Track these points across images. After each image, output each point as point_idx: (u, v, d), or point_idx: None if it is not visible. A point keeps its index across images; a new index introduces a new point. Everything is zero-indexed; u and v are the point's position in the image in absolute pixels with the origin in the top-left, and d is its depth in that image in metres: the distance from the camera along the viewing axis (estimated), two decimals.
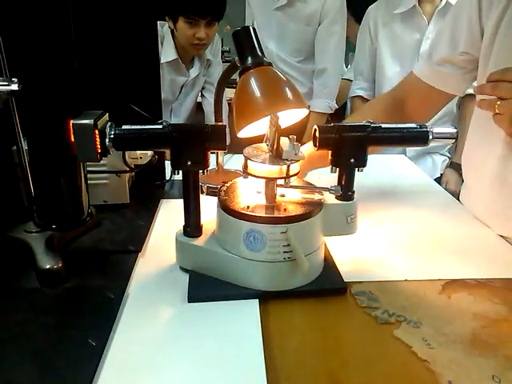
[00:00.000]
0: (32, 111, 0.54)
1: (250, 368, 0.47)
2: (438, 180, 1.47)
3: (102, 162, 0.75)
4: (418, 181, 1.04)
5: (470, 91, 1.49)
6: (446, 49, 0.82)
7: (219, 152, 0.88)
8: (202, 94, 1.88)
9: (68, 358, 0.46)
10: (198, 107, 1.91)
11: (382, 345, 0.51)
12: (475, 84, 1.51)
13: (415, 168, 1.13)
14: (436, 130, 0.59)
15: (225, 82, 0.85)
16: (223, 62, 2.20)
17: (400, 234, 0.76)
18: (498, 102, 0.63)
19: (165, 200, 0.86)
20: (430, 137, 0.59)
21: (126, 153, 0.75)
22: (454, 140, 0.60)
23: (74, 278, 0.59)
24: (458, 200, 0.93)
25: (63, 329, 0.50)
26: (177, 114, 1.78)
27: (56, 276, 0.57)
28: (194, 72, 1.72)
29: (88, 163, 0.65)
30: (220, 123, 0.91)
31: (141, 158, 0.81)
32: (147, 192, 0.87)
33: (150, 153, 0.81)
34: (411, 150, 1.46)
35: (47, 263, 0.57)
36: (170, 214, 0.81)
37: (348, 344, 0.51)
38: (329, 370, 0.47)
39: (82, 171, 0.59)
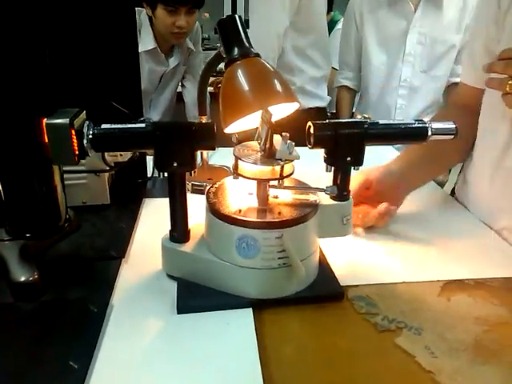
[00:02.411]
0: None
1: (246, 382, 0.44)
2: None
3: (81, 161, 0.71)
4: None
5: (456, 80, 1.49)
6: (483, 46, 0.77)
7: None
8: (182, 83, 1.82)
9: (47, 380, 0.42)
10: (178, 98, 1.85)
11: (384, 355, 0.48)
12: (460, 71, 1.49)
13: None
14: (435, 125, 0.56)
15: (209, 73, 0.81)
16: (203, 49, 2.14)
17: (395, 233, 0.74)
18: (510, 82, 0.60)
19: (148, 199, 0.81)
20: (430, 133, 0.56)
21: None
22: (453, 136, 0.57)
23: (52, 290, 0.54)
24: (452, 195, 0.91)
25: (40, 350, 0.46)
26: (156, 106, 1.72)
27: (31, 289, 0.53)
28: (173, 62, 1.65)
29: None
30: (204, 116, 0.86)
31: (121, 155, 0.76)
32: (128, 191, 0.83)
33: None
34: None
35: (22, 275, 0.53)
36: (153, 215, 0.76)
37: (348, 355, 0.49)
38: (328, 383, 0.45)
39: (58, 173, 0.54)
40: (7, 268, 0.53)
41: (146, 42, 1.55)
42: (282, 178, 0.53)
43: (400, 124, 0.57)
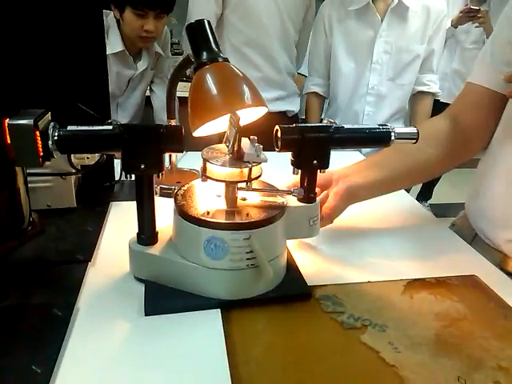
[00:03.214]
0: None
1: (215, 382, 0.44)
2: None
3: (46, 163, 0.70)
4: None
5: (421, 88, 1.54)
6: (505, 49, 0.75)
7: None
8: (150, 88, 1.80)
9: None
10: (147, 102, 1.83)
11: (350, 352, 0.50)
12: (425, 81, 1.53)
13: None
14: (398, 130, 0.58)
15: (178, 77, 0.81)
16: (172, 54, 2.12)
17: (360, 235, 0.76)
18: None
19: (115, 203, 0.80)
20: (393, 137, 0.58)
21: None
22: (415, 141, 0.59)
23: (14, 296, 0.53)
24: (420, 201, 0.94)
25: (2, 355, 0.45)
26: (123, 109, 1.69)
27: None
28: (141, 65, 1.64)
29: None
30: (173, 120, 0.86)
31: (88, 158, 0.75)
32: (95, 194, 0.81)
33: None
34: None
35: None
36: (120, 218, 0.76)
37: (315, 352, 0.50)
38: (296, 381, 0.46)
39: (22, 175, 0.53)
40: None
41: (114, 44, 1.52)
42: (250, 180, 0.54)
43: (364, 129, 0.59)
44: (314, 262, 0.66)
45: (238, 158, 0.53)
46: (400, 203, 0.91)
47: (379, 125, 0.59)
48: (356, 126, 0.59)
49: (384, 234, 0.77)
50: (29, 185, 0.68)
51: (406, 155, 0.78)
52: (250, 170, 0.53)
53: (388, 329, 0.53)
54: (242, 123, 0.60)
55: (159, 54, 1.69)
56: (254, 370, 0.47)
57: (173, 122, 0.85)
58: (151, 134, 0.50)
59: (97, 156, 0.75)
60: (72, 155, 0.68)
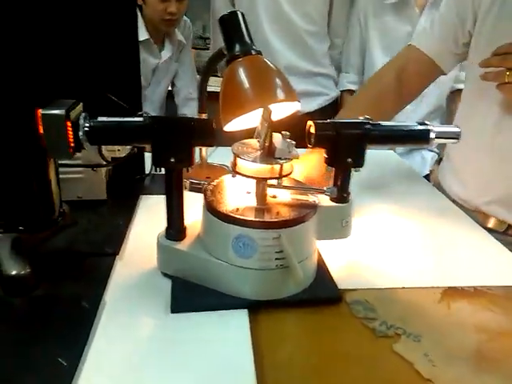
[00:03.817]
0: None
1: None
2: (427, 177, 1.44)
3: (77, 154, 0.70)
4: (409, 180, 1.01)
5: (459, 86, 1.47)
6: (452, 25, 0.87)
7: None
8: (173, 82, 1.81)
9: (35, 380, 0.41)
10: (169, 98, 1.84)
11: (382, 361, 0.47)
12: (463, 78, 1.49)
13: (405, 165, 1.10)
14: (438, 128, 0.55)
15: (210, 70, 0.80)
16: (206, 49, 2.13)
17: (395, 237, 0.72)
18: (508, 73, 0.70)
19: (145, 196, 0.80)
20: (432, 136, 0.55)
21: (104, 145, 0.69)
22: (456, 140, 0.56)
23: (44, 285, 0.53)
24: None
25: (30, 345, 0.45)
26: (149, 103, 1.71)
27: (22, 283, 0.52)
28: (165, 54, 1.66)
29: None
30: (204, 114, 0.85)
31: (119, 150, 0.75)
32: (126, 187, 0.81)
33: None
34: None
35: (13, 269, 0.52)
36: (150, 212, 0.75)
37: (345, 359, 0.47)
38: None
39: (53, 166, 0.53)
40: None
41: (139, 33, 1.54)
42: (281, 177, 0.52)
43: (402, 126, 0.56)
44: (345, 265, 0.63)
45: (269, 154, 0.52)
46: (437, 205, 0.87)
47: (418, 123, 0.56)
48: (393, 123, 0.56)
49: (419, 237, 0.73)
50: (60, 176, 0.68)
51: None
52: (282, 166, 0.51)
53: (423, 339, 0.50)
54: (275, 119, 0.59)
55: (182, 43, 1.70)
56: (280, 373, 0.45)
57: (204, 116, 0.84)
58: (182, 126, 0.49)
59: (128, 148, 0.75)
60: (103, 147, 0.68)
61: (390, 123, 0.55)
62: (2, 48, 0.46)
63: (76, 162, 0.68)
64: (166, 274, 0.58)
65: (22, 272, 0.52)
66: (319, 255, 0.61)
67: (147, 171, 0.87)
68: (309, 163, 0.75)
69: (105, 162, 0.68)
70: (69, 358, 0.43)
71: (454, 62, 0.91)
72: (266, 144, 0.52)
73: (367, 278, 0.61)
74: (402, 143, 0.63)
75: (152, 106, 1.71)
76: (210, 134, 0.50)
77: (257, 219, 0.50)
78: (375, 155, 1.09)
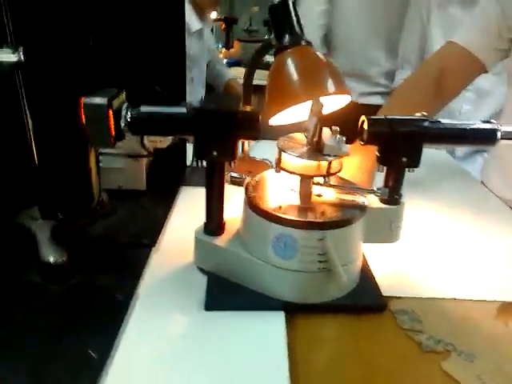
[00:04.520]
0: (38, 86, 0.47)
1: None
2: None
3: (119, 144, 0.69)
4: (464, 183, 0.94)
5: None
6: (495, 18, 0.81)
7: None
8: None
9: (64, 370, 0.40)
10: None
11: (427, 379, 0.44)
12: None
13: (462, 169, 1.03)
14: (506, 128, 0.50)
15: (257, 62, 0.77)
16: (252, 41, 2.13)
17: (448, 244, 0.67)
18: None
19: (185, 187, 0.79)
20: (498, 136, 0.50)
21: (146, 136, 0.68)
22: None
23: (80, 274, 0.53)
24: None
25: (62, 334, 0.45)
26: (196, 85, 1.70)
27: (59, 271, 0.51)
28: (206, 36, 1.67)
29: None
30: (249, 106, 0.83)
31: (160, 141, 0.74)
32: (166, 178, 0.81)
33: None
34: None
35: (51, 256, 0.51)
36: (189, 204, 0.74)
37: (385, 373, 0.44)
38: None
39: (94, 155, 0.52)
40: (38, 247, 0.52)
41: (192, 23, 1.54)
42: (328, 175, 0.49)
43: (464, 125, 0.51)
44: (391, 271, 0.59)
45: (317, 150, 0.48)
46: (494, 212, 0.80)
47: (482, 121, 0.51)
48: (454, 122, 0.51)
49: (474, 245, 0.68)
50: (101, 165, 0.68)
51: None
52: (330, 163, 0.48)
53: (476, 359, 0.45)
54: (325, 113, 0.56)
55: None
56: (315, 381, 0.43)
57: (248, 109, 0.81)
58: (226, 118, 0.46)
59: (170, 139, 0.74)
60: (145, 137, 0.67)
61: (450, 121, 0.50)
62: (48, 35, 0.46)
63: (118, 151, 0.68)
64: (202, 270, 0.56)
65: (60, 260, 0.52)
66: (364, 259, 0.58)
67: (189, 163, 0.85)
68: (352, 163, 0.72)
69: (146, 152, 0.67)
70: (99, 350, 0.42)
71: (497, 57, 0.85)
72: (315, 139, 0.48)
73: (414, 285, 0.56)
74: (463, 143, 0.58)
75: (198, 87, 1.71)
76: (256, 128, 0.47)
77: (300, 219, 0.48)
78: (428, 155, 1.04)
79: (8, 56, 0.43)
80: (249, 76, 0.78)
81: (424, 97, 0.86)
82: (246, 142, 0.85)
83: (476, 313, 0.52)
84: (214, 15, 1.73)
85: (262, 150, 0.90)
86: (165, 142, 0.73)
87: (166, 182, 0.79)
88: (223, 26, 2.69)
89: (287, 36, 0.57)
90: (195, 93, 1.63)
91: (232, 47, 2.69)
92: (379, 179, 0.56)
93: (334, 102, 0.57)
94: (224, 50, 2.67)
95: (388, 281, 0.56)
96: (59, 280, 0.52)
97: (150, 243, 0.61)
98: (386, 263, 0.61)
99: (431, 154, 1.07)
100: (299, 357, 0.45)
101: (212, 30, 1.94)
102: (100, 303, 0.49)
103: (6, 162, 0.55)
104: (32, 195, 0.54)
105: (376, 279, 0.55)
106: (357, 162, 0.73)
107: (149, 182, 0.75)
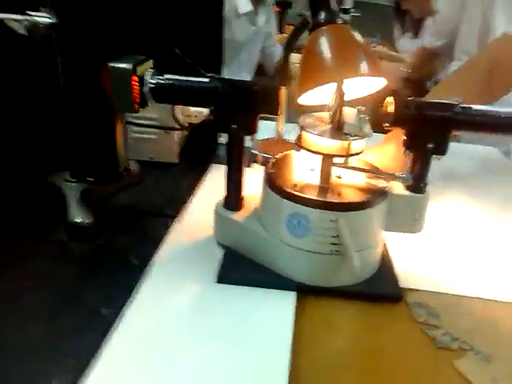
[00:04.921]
0: (71, 50, 0.49)
1: (271, 369, 0.40)
2: None
3: (152, 116, 0.71)
4: (501, 176, 0.89)
5: None
6: None
7: (280, 119, 0.79)
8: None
9: (71, 324, 0.43)
10: None
11: (438, 376, 0.41)
12: None
13: (496, 155, 0.98)
14: None
15: (293, 42, 0.76)
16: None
17: (473, 239, 0.64)
18: None
19: (215, 165, 0.80)
20: None
21: (180, 109, 0.69)
22: None
23: (103, 237, 0.55)
24: None
25: (79, 290, 0.47)
26: (244, 67, 1.71)
27: (84, 232, 0.54)
28: (261, 19, 1.65)
29: (136, 115, 0.59)
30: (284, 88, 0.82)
31: (195, 116, 0.75)
32: (199, 154, 0.82)
33: (205, 111, 0.74)
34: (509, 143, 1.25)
35: (78, 217, 0.54)
36: (217, 182, 0.73)
37: (395, 367, 0.42)
38: None
39: (120, 121, 0.54)
40: (66, 208, 0.55)
41: (243, 4, 1.54)
42: (348, 155, 0.47)
43: (498, 112, 0.47)
44: (411, 262, 0.57)
45: (338, 129, 0.47)
46: None
47: None
48: (488, 108, 0.48)
49: (503, 242, 0.64)
50: (134, 135, 0.70)
51: None
52: (349, 143, 0.46)
53: (494, 361, 0.43)
54: (359, 96, 0.54)
55: (272, 7, 1.70)
56: (317, 366, 0.42)
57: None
58: (244, 90, 0.46)
59: (204, 115, 0.74)
60: (179, 111, 0.68)
61: (483, 107, 0.47)
62: (78, 3, 0.47)
63: (151, 122, 0.69)
64: (220, 244, 0.56)
65: (86, 221, 0.54)
66: (385, 248, 0.56)
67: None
68: (387, 152, 0.69)
69: (178, 126, 0.68)
70: (109, 309, 0.44)
71: None
72: (336, 118, 0.47)
73: (434, 279, 0.54)
74: (494, 132, 0.53)
75: (246, 69, 1.71)
76: (275, 102, 0.46)
77: (314, 198, 0.47)
78: (480, 153, 0.98)
79: (43, 19, 0.45)
80: (285, 56, 0.77)
81: (472, 88, 0.81)
82: (281, 123, 0.84)
83: (498, 314, 0.49)
84: None
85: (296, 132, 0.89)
86: (199, 117, 0.74)
87: (198, 158, 0.80)
88: (276, 9, 2.65)
89: (323, 13, 0.56)
90: (239, 77, 1.64)
91: (283, 32, 2.65)
92: None
93: (368, 85, 0.55)
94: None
95: (407, 272, 0.54)
96: (84, 240, 0.54)
97: (173, 214, 0.62)
98: (407, 254, 0.58)
99: (484, 152, 1.01)
100: (304, 339, 0.44)
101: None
102: (117, 265, 0.51)
103: (43, 124, 0.58)
104: (64, 158, 0.57)
105: (395, 269, 0.53)
106: (392, 151, 0.70)
107: (182, 156, 0.76)
